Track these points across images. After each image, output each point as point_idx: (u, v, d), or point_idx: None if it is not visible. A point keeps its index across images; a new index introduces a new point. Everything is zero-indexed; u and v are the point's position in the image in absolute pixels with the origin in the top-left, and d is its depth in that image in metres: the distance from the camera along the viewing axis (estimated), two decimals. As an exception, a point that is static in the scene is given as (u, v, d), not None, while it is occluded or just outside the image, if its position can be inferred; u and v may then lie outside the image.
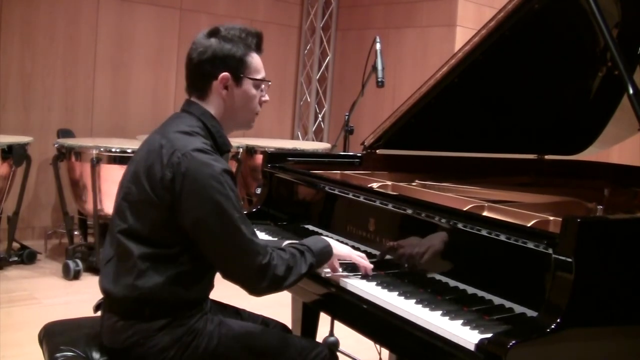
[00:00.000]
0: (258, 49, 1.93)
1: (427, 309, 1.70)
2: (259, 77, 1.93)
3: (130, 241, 1.80)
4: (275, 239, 2.35)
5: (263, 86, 1.95)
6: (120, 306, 1.82)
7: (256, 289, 1.80)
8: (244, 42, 1.89)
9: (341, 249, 1.99)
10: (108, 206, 4.46)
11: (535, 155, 3.09)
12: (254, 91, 1.92)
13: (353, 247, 2.17)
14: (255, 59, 1.92)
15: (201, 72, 1.88)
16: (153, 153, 1.80)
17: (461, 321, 1.60)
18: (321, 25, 6.81)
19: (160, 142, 1.81)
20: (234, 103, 1.91)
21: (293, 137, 6.95)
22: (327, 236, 2.28)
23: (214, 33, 1.88)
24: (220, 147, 1.91)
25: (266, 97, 1.98)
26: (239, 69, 1.88)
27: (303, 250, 1.90)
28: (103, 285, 1.87)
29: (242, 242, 1.76)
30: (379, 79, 3.26)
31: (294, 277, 1.84)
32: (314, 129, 6.89)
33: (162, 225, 1.78)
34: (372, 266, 1.98)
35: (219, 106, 1.90)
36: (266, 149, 5.25)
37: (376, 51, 3.31)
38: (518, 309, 1.64)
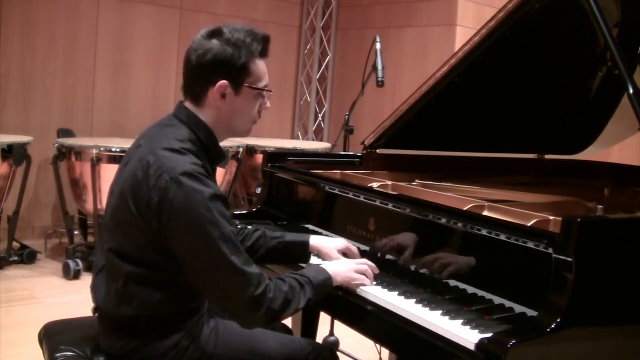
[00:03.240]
0: (263, 54, 1.82)
1: (427, 309, 1.70)
2: (260, 85, 1.82)
3: (120, 260, 1.74)
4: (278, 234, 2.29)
5: (265, 93, 1.84)
6: (114, 321, 1.80)
7: (249, 322, 1.74)
8: (248, 48, 1.76)
9: (341, 278, 1.88)
10: (108, 206, 4.45)
11: (536, 154, 3.09)
12: (253, 100, 1.82)
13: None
14: (259, 66, 1.80)
15: (198, 76, 1.76)
16: (140, 171, 1.70)
17: (461, 321, 1.60)
18: (321, 25, 6.81)
19: (148, 160, 1.70)
20: (231, 112, 1.79)
21: (293, 136, 6.95)
22: (327, 236, 2.29)
23: (216, 34, 1.75)
24: (214, 158, 1.83)
25: (267, 105, 1.86)
26: (239, 77, 1.76)
27: (303, 283, 1.79)
28: (96, 298, 1.83)
29: (232, 273, 1.67)
30: (379, 79, 3.26)
31: (290, 311, 1.76)
32: (314, 128, 6.89)
33: (150, 247, 1.71)
34: (371, 278, 1.93)
35: (213, 114, 1.79)
36: (266, 149, 5.25)
37: (376, 51, 3.31)
38: (518, 308, 1.64)
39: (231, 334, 1.88)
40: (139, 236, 1.72)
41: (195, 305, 1.85)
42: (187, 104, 1.82)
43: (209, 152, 1.81)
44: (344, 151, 3.26)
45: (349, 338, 3.17)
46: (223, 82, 1.75)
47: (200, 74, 1.76)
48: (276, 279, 1.76)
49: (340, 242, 2.12)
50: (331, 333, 3.29)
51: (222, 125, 1.82)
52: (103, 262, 1.82)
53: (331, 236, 2.28)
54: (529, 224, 1.76)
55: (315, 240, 2.12)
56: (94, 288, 1.85)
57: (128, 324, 1.77)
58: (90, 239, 4.90)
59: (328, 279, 1.86)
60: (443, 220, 1.86)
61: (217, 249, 1.65)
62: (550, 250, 1.54)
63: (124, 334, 1.78)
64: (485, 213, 1.97)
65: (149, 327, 1.77)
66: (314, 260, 2.13)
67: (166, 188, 1.65)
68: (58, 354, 1.85)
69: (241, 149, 5.31)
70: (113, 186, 1.84)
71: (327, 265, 1.91)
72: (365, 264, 1.93)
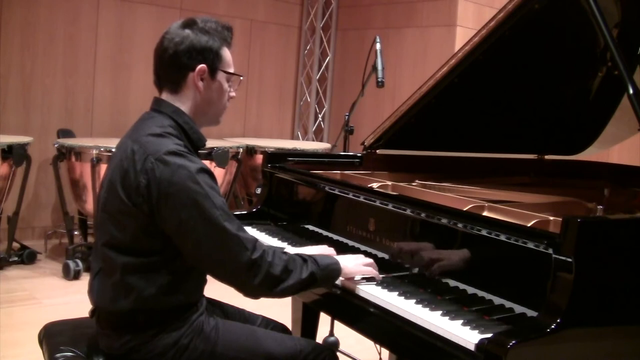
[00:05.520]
0: (230, 43, 1.90)
1: (427, 309, 1.70)
2: (231, 71, 1.90)
3: (114, 253, 1.77)
4: (285, 244, 2.31)
5: (231, 82, 1.92)
6: (112, 320, 1.80)
7: (248, 286, 1.75)
8: (220, 35, 1.86)
9: (350, 269, 1.91)
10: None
11: (535, 155, 3.09)
12: (226, 85, 1.89)
13: (353, 247, 2.17)
14: (228, 53, 1.89)
15: (177, 63, 1.82)
16: (126, 160, 1.75)
17: (461, 321, 1.60)
18: (321, 25, 6.81)
19: (132, 148, 1.76)
20: (208, 96, 1.86)
21: (293, 137, 6.95)
22: (326, 236, 2.30)
23: (189, 24, 1.84)
24: (195, 143, 1.87)
25: (233, 93, 1.93)
26: (214, 61, 1.84)
27: (306, 258, 1.84)
28: (93, 299, 1.85)
29: (227, 239, 1.71)
30: (379, 79, 3.26)
31: (291, 282, 1.77)
32: (314, 129, 6.89)
33: (143, 233, 1.74)
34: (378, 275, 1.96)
35: (192, 99, 1.85)
36: (266, 149, 5.25)
37: (376, 51, 3.31)
38: (518, 309, 1.64)
39: (231, 333, 1.88)
40: (132, 224, 1.74)
41: (192, 300, 1.86)
42: (164, 96, 1.88)
43: (190, 138, 1.86)
44: (344, 152, 3.26)
45: (349, 338, 3.17)
46: (202, 66, 1.83)
47: (178, 61, 1.82)
48: (277, 249, 1.80)
49: (321, 248, 2.10)
50: (331, 333, 3.29)
51: (199, 110, 1.88)
52: (99, 264, 1.83)
53: (331, 236, 2.29)
54: (529, 225, 1.76)
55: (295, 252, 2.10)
56: (91, 290, 1.86)
57: (126, 320, 1.78)
58: (90, 239, 4.89)
59: (335, 263, 1.89)
60: (443, 221, 1.86)
61: (210, 218, 1.70)
62: (550, 251, 1.54)
63: (123, 332, 1.79)
64: (485, 213, 1.97)
65: (148, 324, 1.78)
66: None
67: (153, 169, 1.70)
68: (58, 355, 1.86)
69: (241, 150, 5.31)
70: (100, 189, 1.88)
71: (336, 257, 1.95)
72: (372, 265, 1.95)
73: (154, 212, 1.71)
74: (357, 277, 1.93)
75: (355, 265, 1.93)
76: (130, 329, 1.78)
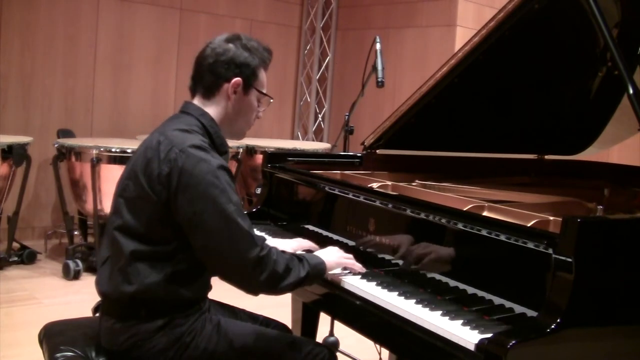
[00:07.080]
0: (268, 65, 1.99)
1: (427, 309, 1.70)
2: (264, 91, 1.97)
3: (125, 238, 1.81)
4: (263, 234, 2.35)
5: (261, 102, 1.99)
6: (116, 308, 1.83)
7: (253, 283, 1.79)
8: (261, 56, 1.95)
9: (331, 264, 1.96)
10: (108, 206, 4.43)
11: (535, 155, 3.09)
12: (255, 104, 1.97)
13: (353, 248, 2.17)
14: (264, 74, 1.97)
15: (215, 72, 1.90)
16: (151, 150, 1.82)
17: (461, 321, 1.60)
18: (321, 26, 6.81)
19: (159, 139, 1.83)
20: (237, 110, 1.93)
21: (293, 137, 6.95)
22: (326, 236, 2.30)
23: (233, 39, 1.93)
24: (218, 147, 1.91)
25: (261, 114, 2.02)
26: (250, 78, 1.92)
27: (301, 258, 1.90)
28: (99, 287, 1.88)
29: (238, 234, 1.75)
30: (379, 79, 3.26)
31: (292, 280, 1.82)
32: (314, 129, 6.89)
33: (158, 221, 1.79)
34: (362, 268, 2.00)
35: (221, 109, 1.92)
36: (266, 149, 5.25)
37: (376, 51, 3.31)
38: (518, 309, 1.64)
39: (232, 332, 1.90)
40: (147, 210, 1.79)
41: (195, 298, 1.88)
42: (196, 100, 1.95)
43: (214, 141, 1.91)
44: (344, 152, 3.26)
45: (349, 338, 3.17)
46: (238, 79, 1.91)
47: (217, 69, 1.90)
48: (277, 248, 1.85)
49: (295, 242, 2.19)
50: (331, 333, 3.29)
51: (226, 121, 1.94)
52: (108, 251, 1.86)
53: (331, 237, 2.29)
54: (529, 225, 1.76)
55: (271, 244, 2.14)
56: (98, 279, 1.89)
57: (130, 309, 1.80)
58: (90, 239, 4.90)
59: (321, 263, 1.94)
60: (443, 221, 1.86)
61: (223, 212, 1.74)
62: (550, 251, 1.55)
63: (126, 326, 1.80)
64: (485, 213, 1.97)
65: (151, 315, 1.80)
66: None
67: (175, 159, 1.76)
68: (58, 354, 1.86)
69: (241, 150, 5.31)
70: (120, 180, 1.91)
71: (317, 253, 2.00)
72: (351, 258, 2.01)
73: (171, 201, 1.76)
74: (339, 270, 1.98)
75: (337, 258, 1.99)
76: (134, 319, 1.80)
